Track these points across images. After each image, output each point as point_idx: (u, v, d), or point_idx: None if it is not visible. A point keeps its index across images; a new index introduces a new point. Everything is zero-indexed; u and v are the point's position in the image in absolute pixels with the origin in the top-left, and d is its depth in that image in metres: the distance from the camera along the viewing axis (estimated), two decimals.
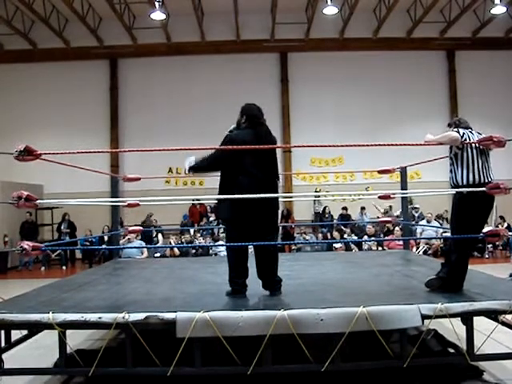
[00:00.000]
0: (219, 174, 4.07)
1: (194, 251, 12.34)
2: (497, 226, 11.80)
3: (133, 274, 5.65)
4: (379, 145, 4.36)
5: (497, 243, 12.14)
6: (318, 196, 13.63)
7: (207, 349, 3.39)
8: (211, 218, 14.49)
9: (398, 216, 11.19)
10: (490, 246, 12.55)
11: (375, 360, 3.53)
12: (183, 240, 12.65)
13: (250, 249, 4.08)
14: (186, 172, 4.10)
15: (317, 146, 4.72)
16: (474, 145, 3.80)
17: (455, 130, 3.85)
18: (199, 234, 13.71)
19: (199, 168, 4.09)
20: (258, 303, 3.73)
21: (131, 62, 15.65)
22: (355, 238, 12.71)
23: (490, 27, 14.70)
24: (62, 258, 13.13)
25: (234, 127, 4.12)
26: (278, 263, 4.04)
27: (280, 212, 10.90)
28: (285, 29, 15.01)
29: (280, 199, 5.61)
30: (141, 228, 8.41)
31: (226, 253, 4.09)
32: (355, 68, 15.38)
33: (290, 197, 12.79)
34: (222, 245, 11.20)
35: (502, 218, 13.19)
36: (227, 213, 4.01)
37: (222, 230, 12.75)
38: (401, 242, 9.52)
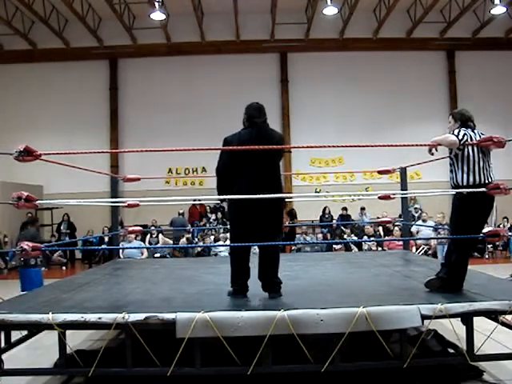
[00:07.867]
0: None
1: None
2: (498, 226, 11.80)
3: (132, 275, 5.65)
4: (379, 145, 4.36)
5: (497, 243, 12.13)
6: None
7: (207, 349, 3.38)
8: (211, 218, 14.48)
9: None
10: (490, 246, 12.55)
11: (375, 360, 3.53)
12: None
13: (255, 249, 4.08)
14: (220, 204, 4.20)
15: (317, 147, 4.74)
16: (474, 145, 3.78)
17: (457, 131, 3.82)
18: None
19: (219, 187, 4.02)
20: (257, 304, 3.73)
21: (131, 62, 15.64)
22: (355, 238, 12.70)
23: (489, 27, 14.70)
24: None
25: (242, 128, 4.12)
26: (278, 265, 4.03)
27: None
28: (285, 29, 15.01)
29: None
30: (140, 228, 8.41)
31: (226, 253, 4.11)
32: (355, 68, 15.39)
33: (290, 197, 12.76)
34: (222, 245, 11.23)
35: (505, 218, 13.22)
36: (229, 214, 4.05)
37: (222, 231, 12.75)
38: (401, 243, 9.51)
